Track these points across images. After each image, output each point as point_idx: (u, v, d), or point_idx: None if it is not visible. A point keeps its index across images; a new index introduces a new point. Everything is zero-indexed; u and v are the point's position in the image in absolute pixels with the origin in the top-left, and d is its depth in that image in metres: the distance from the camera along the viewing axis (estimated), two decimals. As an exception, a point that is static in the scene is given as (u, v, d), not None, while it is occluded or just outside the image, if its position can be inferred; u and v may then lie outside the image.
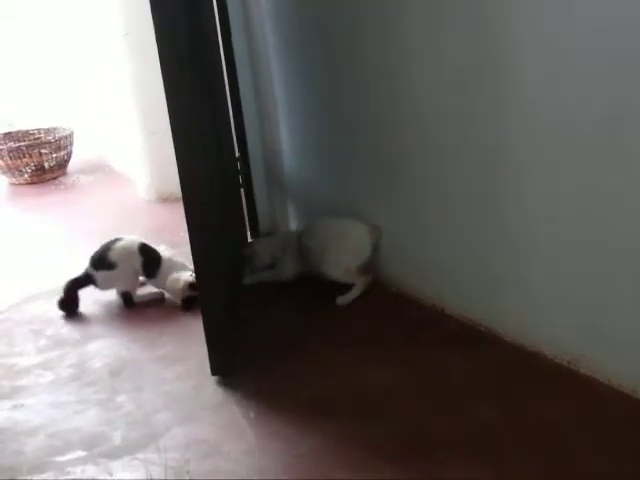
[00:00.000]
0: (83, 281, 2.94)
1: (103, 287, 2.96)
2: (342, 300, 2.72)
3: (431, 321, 2.54)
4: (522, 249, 2.21)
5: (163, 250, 3.05)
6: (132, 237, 3.00)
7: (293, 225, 3.42)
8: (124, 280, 2.94)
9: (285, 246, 2.96)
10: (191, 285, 2.78)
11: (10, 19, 6.29)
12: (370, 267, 2.78)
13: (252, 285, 2.97)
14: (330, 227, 2.84)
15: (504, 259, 2.29)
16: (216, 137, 2.61)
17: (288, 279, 2.91)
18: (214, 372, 2.32)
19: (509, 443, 1.87)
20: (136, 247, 2.95)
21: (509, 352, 2.29)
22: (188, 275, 2.85)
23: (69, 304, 2.92)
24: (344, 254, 2.74)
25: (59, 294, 2.93)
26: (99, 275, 2.92)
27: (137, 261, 2.93)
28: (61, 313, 2.91)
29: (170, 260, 2.99)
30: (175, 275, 2.90)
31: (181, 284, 2.85)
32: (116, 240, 2.96)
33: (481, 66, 2.14)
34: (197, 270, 2.24)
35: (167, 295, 2.98)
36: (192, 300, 2.78)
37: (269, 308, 2.80)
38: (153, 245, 3.03)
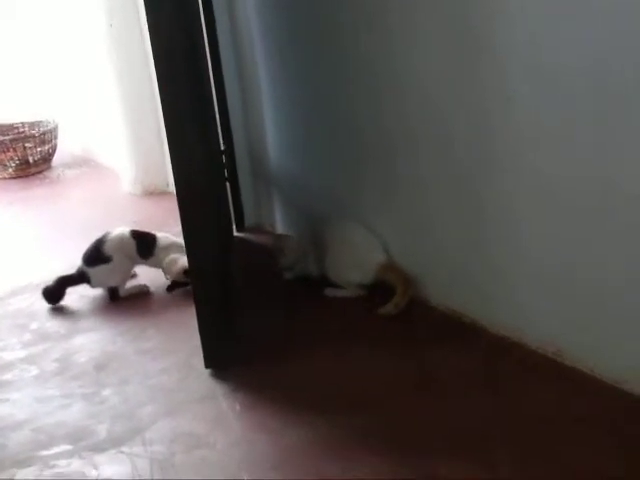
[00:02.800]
0: (76, 279, 2.93)
1: (97, 284, 2.93)
2: (330, 292, 2.73)
3: (415, 313, 2.54)
4: (507, 241, 2.22)
5: (162, 236, 3.04)
6: (120, 228, 2.99)
7: (279, 218, 3.42)
8: (120, 273, 2.93)
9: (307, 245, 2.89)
10: (186, 272, 2.76)
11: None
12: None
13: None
14: (342, 237, 2.76)
15: (488, 251, 2.30)
16: (203, 130, 2.60)
17: (317, 275, 2.83)
18: (207, 365, 2.31)
19: (495, 435, 1.88)
20: (127, 233, 2.95)
21: (494, 344, 2.30)
22: (186, 260, 2.84)
23: (55, 297, 2.91)
24: (351, 269, 2.71)
25: (46, 284, 2.92)
26: (95, 271, 2.89)
27: (131, 246, 2.93)
28: (46, 307, 2.90)
29: (167, 238, 3.00)
30: (174, 256, 2.91)
31: (178, 267, 2.86)
32: (106, 234, 2.95)
33: (465, 58, 2.14)
34: (190, 263, 2.24)
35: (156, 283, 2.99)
36: (180, 285, 2.83)
37: (259, 302, 2.79)
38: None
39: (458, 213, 2.36)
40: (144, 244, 2.96)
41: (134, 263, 2.98)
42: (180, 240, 2.73)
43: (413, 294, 2.57)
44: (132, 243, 2.94)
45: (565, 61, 1.86)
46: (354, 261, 2.70)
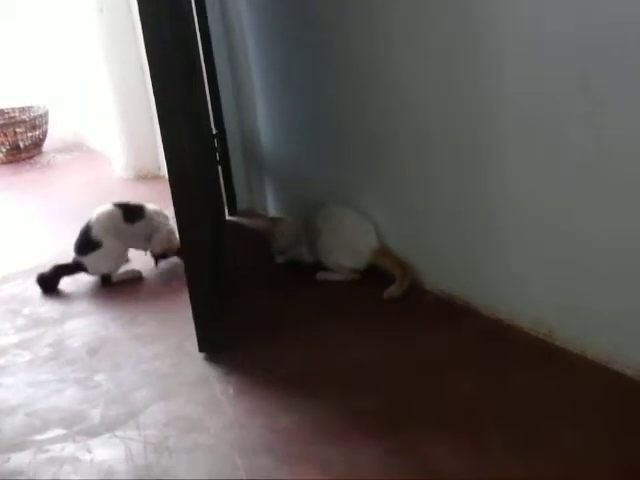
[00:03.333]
0: (72, 268, 2.92)
1: (94, 271, 2.93)
2: (322, 275, 2.74)
3: (409, 296, 2.55)
4: (501, 224, 2.23)
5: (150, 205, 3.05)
6: (103, 206, 2.97)
7: (271, 202, 3.42)
8: (113, 257, 2.93)
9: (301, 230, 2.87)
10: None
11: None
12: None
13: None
14: (336, 222, 2.75)
15: (482, 233, 2.30)
16: (195, 113, 2.60)
17: (309, 261, 2.82)
18: (201, 349, 2.32)
19: (488, 415, 1.89)
20: (110, 207, 2.95)
21: (486, 325, 2.31)
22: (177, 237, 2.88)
23: (49, 285, 2.91)
24: (344, 254, 2.71)
25: (41, 270, 2.92)
26: (88, 259, 2.89)
27: (118, 217, 2.93)
28: (39, 292, 2.90)
29: (155, 206, 3.03)
30: (168, 229, 2.96)
31: (165, 237, 2.94)
32: (90, 220, 2.93)
33: (465, 50, 2.14)
34: (183, 246, 2.24)
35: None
36: (164, 257, 2.94)
37: (250, 286, 2.79)
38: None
39: (451, 198, 2.36)
40: (130, 210, 2.96)
41: (126, 244, 2.97)
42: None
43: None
44: (118, 213, 2.93)
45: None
46: (347, 246, 2.70)
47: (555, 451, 1.74)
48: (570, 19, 1.80)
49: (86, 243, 2.89)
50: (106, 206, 2.95)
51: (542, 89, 1.94)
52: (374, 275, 2.65)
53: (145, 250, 3.02)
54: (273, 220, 2.99)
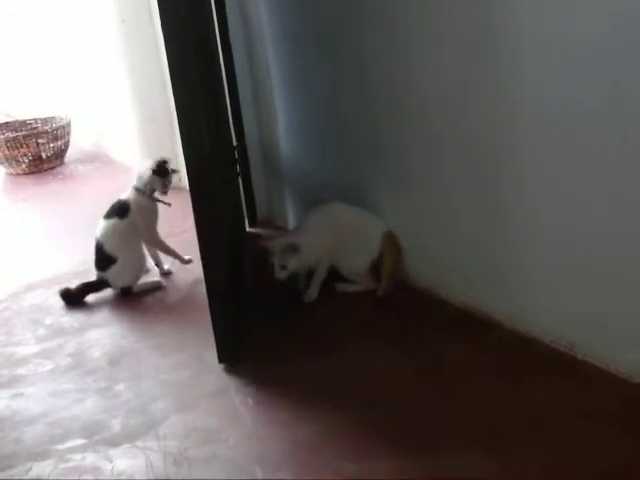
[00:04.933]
0: (97, 285, 2.95)
1: (116, 285, 2.95)
2: (342, 287, 2.73)
3: (429, 307, 2.54)
4: (521, 236, 2.22)
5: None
6: (101, 222, 2.97)
7: (291, 213, 3.42)
8: (132, 267, 2.95)
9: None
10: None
11: (7, 10, 6.27)
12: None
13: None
14: (347, 222, 2.72)
15: (503, 246, 2.29)
16: (215, 125, 2.61)
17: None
18: (220, 360, 2.32)
19: (509, 429, 1.88)
20: (107, 220, 2.94)
21: (507, 338, 2.30)
22: None
23: (74, 301, 2.93)
24: (359, 257, 2.70)
25: (62, 284, 2.95)
26: (109, 274, 2.91)
27: (117, 223, 2.92)
28: (60, 302, 2.92)
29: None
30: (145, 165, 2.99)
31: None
32: (98, 236, 2.93)
33: (481, 51, 2.14)
34: (203, 257, 2.23)
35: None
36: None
37: (270, 297, 2.79)
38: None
39: (475, 211, 2.36)
40: (120, 206, 2.96)
41: (138, 248, 2.98)
42: None
43: (425, 288, 2.58)
44: (115, 221, 2.92)
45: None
46: (360, 239, 2.69)
47: (577, 465, 1.72)
48: (596, 20, 1.80)
49: (102, 260, 2.91)
50: (103, 222, 2.95)
51: (563, 90, 1.93)
52: (391, 289, 2.65)
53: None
54: (284, 247, 2.61)
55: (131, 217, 2.94)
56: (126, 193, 2.99)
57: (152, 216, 3.02)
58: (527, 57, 2.00)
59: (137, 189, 2.96)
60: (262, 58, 3.24)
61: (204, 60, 2.46)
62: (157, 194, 2.99)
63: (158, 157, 3.03)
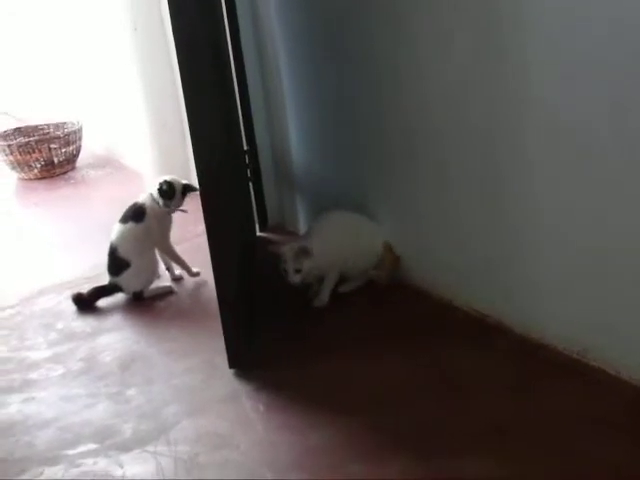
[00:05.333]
0: (109, 290, 2.95)
1: (129, 290, 2.95)
2: (344, 288, 2.75)
3: (439, 313, 2.54)
4: (530, 240, 2.21)
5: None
6: (115, 226, 2.97)
7: (302, 218, 3.42)
8: (145, 272, 2.95)
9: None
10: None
11: (18, 14, 6.31)
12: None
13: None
14: (345, 228, 2.75)
15: (512, 250, 2.28)
16: (226, 130, 2.62)
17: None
18: (231, 365, 2.32)
19: (520, 436, 1.87)
20: (122, 225, 2.94)
21: (518, 344, 2.28)
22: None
23: (86, 306, 2.93)
24: (366, 256, 2.76)
25: (74, 289, 2.96)
26: (122, 279, 2.92)
27: (132, 227, 2.92)
28: (72, 307, 2.93)
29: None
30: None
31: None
32: (111, 241, 2.94)
33: (487, 52, 2.13)
34: (214, 262, 2.23)
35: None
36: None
37: (281, 302, 2.79)
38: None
39: (482, 214, 2.35)
40: (135, 209, 2.97)
41: (152, 252, 2.99)
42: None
43: (435, 294, 2.59)
44: (130, 225, 2.93)
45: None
46: (365, 248, 2.75)
47: (588, 471, 1.71)
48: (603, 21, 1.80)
49: (116, 264, 2.92)
50: (119, 226, 2.95)
51: (572, 93, 1.92)
52: (401, 294, 2.65)
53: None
54: (297, 252, 2.59)
55: (147, 222, 2.94)
56: (143, 197, 2.99)
57: (166, 223, 3.02)
58: (534, 55, 2.00)
59: (153, 198, 2.96)
60: (273, 62, 3.25)
61: (215, 65, 2.47)
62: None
63: (167, 176, 3.01)
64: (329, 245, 2.66)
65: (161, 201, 2.92)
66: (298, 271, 2.57)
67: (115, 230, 2.95)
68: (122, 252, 2.90)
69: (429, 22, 2.31)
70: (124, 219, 2.96)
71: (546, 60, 1.96)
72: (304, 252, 2.57)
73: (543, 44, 1.96)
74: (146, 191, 3.02)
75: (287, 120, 3.29)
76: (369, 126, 2.74)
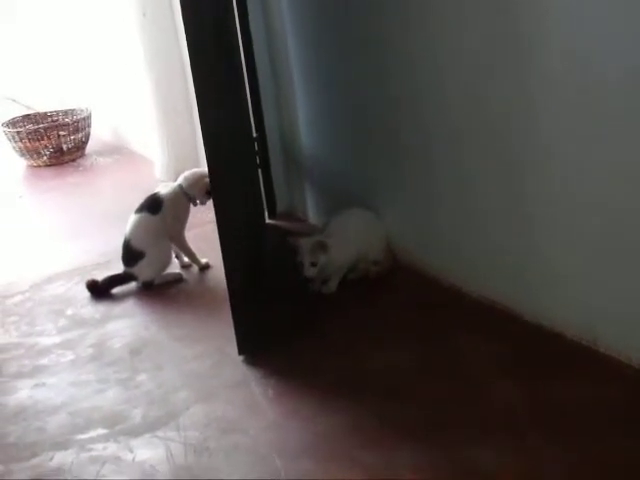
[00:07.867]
0: (124, 279, 2.95)
1: (144, 277, 2.94)
2: (351, 275, 2.76)
3: (449, 301, 2.53)
4: (541, 229, 2.20)
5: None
6: (131, 217, 2.98)
7: (311, 206, 3.41)
8: (159, 262, 2.95)
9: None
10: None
11: (28, 1, 6.30)
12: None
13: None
14: (362, 228, 2.79)
15: (523, 238, 2.27)
16: (236, 116, 2.61)
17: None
18: (240, 351, 2.33)
19: (529, 424, 1.87)
20: (137, 215, 2.95)
21: (528, 332, 2.28)
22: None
23: (99, 292, 2.93)
24: (375, 248, 2.78)
25: (84, 275, 2.97)
26: (137, 270, 2.92)
27: (146, 217, 2.93)
28: (81, 293, 2.93)
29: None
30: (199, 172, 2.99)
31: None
32: (125, 234, 2.95)
33: (505, 48, 2.12)
34: (223, 249, 2.23)
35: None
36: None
37: (290, 289, 2.78)
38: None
39: (497, 204, 2.34)
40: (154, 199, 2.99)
41: (165, 241, 2.98)
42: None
43: (446, 282, 2.60)
44: (145, 215, 2.94)
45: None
46: (374, 239, 2.78)
47: (600, 460, 1.71)
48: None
49: (130, 255, 2.92)
50: (134, 216, 2.96)
51: (588, 79, 1.91)
52: (409, 282, 2.66)
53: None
54: (314, 245, 2.61)
55: (162, 213, 2.94)
56: (164, 188, 3.00)
57: (184, 216, 3.03)
58: (551, 51, 1.98)
59: (182, 189, 2.97)
60: (282, 48, 3.23)
61: (224, 51, 2.46)
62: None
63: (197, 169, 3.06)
64: (346, 243, 2.69)
65: (204, 197, 2.96)
66: (314, 265, 2.59)
67: (130, 221, 2.96)
68: (136, 243, 2.91)
69: (441, 6, 2.30)
70: (139, 209, 2.96)
71: (561, 44, 1.95)
72: (321, 247, 2.59)
73: (560, 28, 1.94)
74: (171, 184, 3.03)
75: (296, 107, 3.28)
76: (380, 113, 2.73)
